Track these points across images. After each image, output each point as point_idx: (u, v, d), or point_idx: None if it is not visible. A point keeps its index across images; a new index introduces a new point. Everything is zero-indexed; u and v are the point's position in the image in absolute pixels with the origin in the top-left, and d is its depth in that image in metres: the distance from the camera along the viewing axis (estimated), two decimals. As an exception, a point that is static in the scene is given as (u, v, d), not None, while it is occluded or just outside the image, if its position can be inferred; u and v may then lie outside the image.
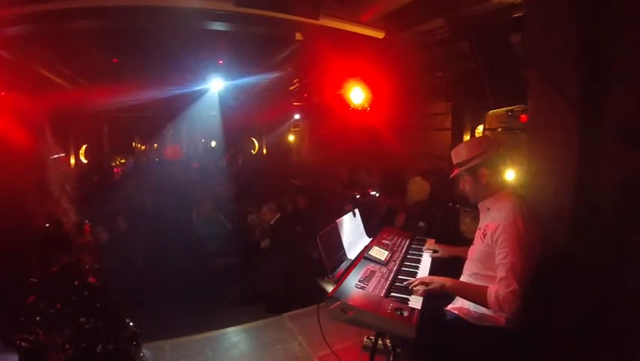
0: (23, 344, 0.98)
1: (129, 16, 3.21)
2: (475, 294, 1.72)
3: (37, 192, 0.97)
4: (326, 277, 2.07)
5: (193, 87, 6.23)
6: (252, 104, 8.19)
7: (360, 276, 1.94)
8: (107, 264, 1.12)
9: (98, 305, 1.05)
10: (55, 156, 1.04)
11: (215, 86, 6.36)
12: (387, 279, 1.97)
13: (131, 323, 1.21)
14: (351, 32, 3.66)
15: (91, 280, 1.02)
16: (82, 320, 1.02)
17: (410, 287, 1.83)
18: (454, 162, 1.97)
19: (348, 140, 6.70)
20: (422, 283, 1.81)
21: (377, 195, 5.42)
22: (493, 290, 1.62)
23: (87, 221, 1.07)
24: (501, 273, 1.63)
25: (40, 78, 4.84)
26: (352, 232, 2.45)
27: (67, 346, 1.01)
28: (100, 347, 1.10)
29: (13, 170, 0.95)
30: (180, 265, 4.27)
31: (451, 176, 1.99)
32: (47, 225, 0.97)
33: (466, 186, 1.94)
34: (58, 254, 0.97)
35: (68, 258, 0.98)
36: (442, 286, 1.77)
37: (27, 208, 0.95)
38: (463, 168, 1.90)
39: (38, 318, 0.95)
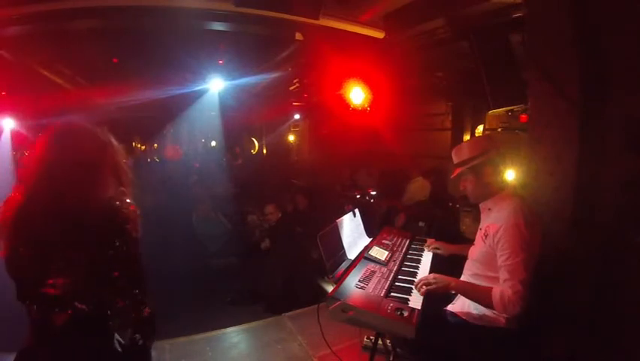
0: (51, 290, 1.10)
1: (129, 16, 3.20)
2: (480, 295, 1.71)
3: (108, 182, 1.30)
4: (326, 277, 2.07)
5: (193, 87, 6.21)
6: (252, 104, 8.17)
7: (360, 276, 1.94)
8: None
9: (126, 270, 1.23)
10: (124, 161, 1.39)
11: (215, 86, 6.34)
12: (387, 279, 1.97)
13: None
14: (351, 32, 3.66)
15: (135, 247, 1.27)
16: (115, 274, 1.19)
17: (416, 288, 1.80)
18: (455, 162, 1.96)
19: (348, 140, 6.70)
20: (427, 282, 1.77)
21: (377, 195, 5.42)
22: (498, 291, 1.61)
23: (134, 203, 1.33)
24: (504, 275, 1.63)
25: (40, 78, 4.84)
26: (352, 232, 2.45)
27: (89, 298, 1.14)
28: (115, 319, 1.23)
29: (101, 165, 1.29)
30: (180, 265, 4.27)
31: (452, 176, 1.98)
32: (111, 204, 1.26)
33: (467, 185, 1.93)
34: (122, 222, 1.24)
35: (120, 217, 1.24)
36: (447, 286, 1.76)
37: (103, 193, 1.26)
38: (465, 167, 1.88)
39: (75, 263, 1.12)
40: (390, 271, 2.08)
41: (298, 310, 3.33)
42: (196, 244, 5.00)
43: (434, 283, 1.76)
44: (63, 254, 1.12)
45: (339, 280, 1.87)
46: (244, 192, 6.91)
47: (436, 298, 1.82)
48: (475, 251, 1.91)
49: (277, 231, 4.70)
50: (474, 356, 1.77)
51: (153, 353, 1.37)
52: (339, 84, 3.87)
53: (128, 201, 1.31)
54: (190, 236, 5.05)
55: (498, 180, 1.87)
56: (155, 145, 11.17)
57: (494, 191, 1.87)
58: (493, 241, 1.72)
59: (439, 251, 2.40)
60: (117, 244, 1.20)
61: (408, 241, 2.59)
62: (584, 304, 1.97)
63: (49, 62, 4.76)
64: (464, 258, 2.03)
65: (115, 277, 1.19)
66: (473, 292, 1.77)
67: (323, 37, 3.61)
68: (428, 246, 2.47)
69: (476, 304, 1.77)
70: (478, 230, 1.95)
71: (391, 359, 2.19)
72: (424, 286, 1.77)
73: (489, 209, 1.89)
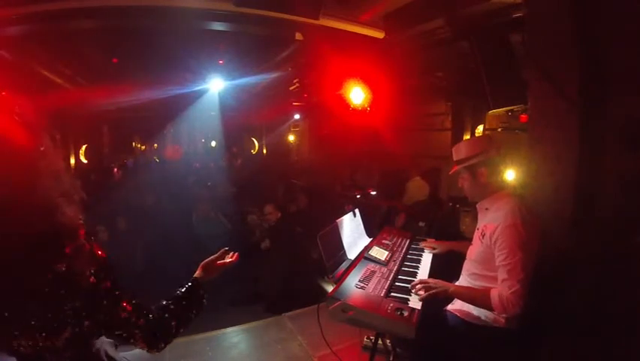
0: (22, 349, 0.97)
1: (129, 16, 3.20)
2: (478, 298, 1.71)
3: (31, 199, 0.92)
4: (326, 277, 2.07)
5: (193, 87, 6.23)
6: (252, 104, 8.19)
7: (360, 276, 1.94)
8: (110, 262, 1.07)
9: (104, 303, 1.03)
10: (53, 158, 0.99)
11: (215, 86, 6.36)
12: (387, 279, 1.97)
13: None
14: (351, 32, 3.66)
15: (86, 285, 0.98)
16: (86, 323, 1.01)
17: (414, 290, 1.80)
18: (454, 159, 1.97)
19: (348, 140, 6.71)
20: (425, 286, 1.77)
21: (377, 195, 5.43)
22: (496, 293, 1.61)
23: (81, 222, 1.02)
24: (502, 275, 1.63)
25: (40, 78, 4.84)
26: (352, 232, 2.45)
27: (66, 349, 1.01)
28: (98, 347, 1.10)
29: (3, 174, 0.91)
30: (180, 265, 4.26)
31: (450, 173, 2.00)
32: (41, 232, 0.94)
33: (464, 184, 1.95)
34: (53, 261, 0.94)
35: (64, 264, 0.95)
36: (445, 292, 1.76)
37: (20, 215, 0.91)
38: (462, 166, 1.89)
39: (34, 322, 0.94)
40: (390, 271, 2.08)
41: (298, 310, 3.32)
42: (196, 244, 5.00)
43: (434, 288, 1.76)
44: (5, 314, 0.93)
45: (339, 280, 1.86)
46: (244, 192, 6.92)
47: (436, 298, 1.82)
48: (473, 251, 1.91)
49: (277, 231, 4.69)
50: (474, 356, 1.77)
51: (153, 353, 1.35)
52: (339, 84, 3.88)
53: (80, 225, 1.01)
54: (190, 236, 5.05)
55: (496, 180, 1.87)
56: (155, 145, 11.19)
57: (491, 191, 1.87)
58: (491, 240, 1.72)
59: (435, 250, 2.40)
60: (69, 293, 0.95)
61: (408, 241, 2.59)
62: (584, 304, 1.97)
63: (49, 62, 4.77)
64: (463, 258, 2.03)
65: (86, 325, 1.01)
66: (471, 297, 1.77)
67: (323, 37, 3.61)
68: (425, 246, 2.46)
69: (480, 308, 1.76)
70: (476, 230, 1.95)
71: (391, 359, 2.19)
72: (423, 290, 1.76)
73: (486, 209, 1.89)
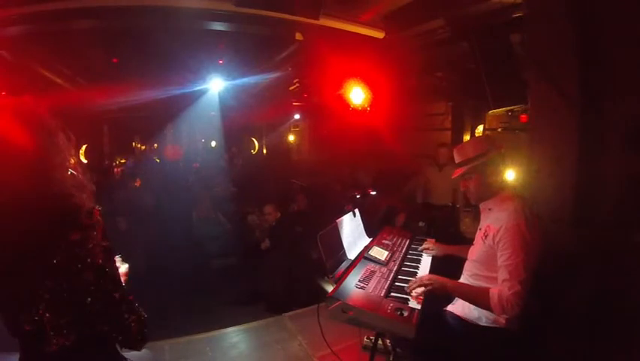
0: (27, 327, 0.99)
1: (129, 16, 3.20)
2: (477, 296, 1.70)
3: (46, 187, 1.01)
4: (326, 277, 2.06)
5: (193, 87, 6.23)
6: (252, 104, 8.18)
7: (360, 276, 1.94)
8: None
9: (108, 287, 1.06)
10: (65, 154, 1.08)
11: (215, 86, 6.36)
12: (387, 279, 1.97)
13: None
14: (351, 32, 3.66)
15: (98, 260, 1.02)
16: (88, 300, 1.03)
17: (409, 290, 1.77)
18: (457, 161, 1.94)
19: (348, 140, 6.70)
20: (422, 284, 1.75)
21: (377, 195, 5.43)
22: (496, 292, 1.60)
23: (98, 207, 1.09)
24: (503, 275, 1.62)
25: (40, 78, 4.84)
26: (352, 231, 2.45)
27: (69, 330, 1.02)
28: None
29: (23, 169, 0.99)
30: (180, 265, 4.27)
31: (454, 176, 1.96)
32: (56, 213, 1.01)
33: (470, 185, 1.91)
34: (68, 230, 0.99)
35: (78, 234, 1.00)
36: (443, 287, 1.74)
37: (37, 201, 1.00)
38: (469, 166, 1.87)
39: (46, 296, 0.98)
40: (390, 271, 2.08)
41: (298, 310, 3.33)
42: (196, 244, 5.00)
43: (429, 283, 1.73)
44: (16, 285, 0.99)
45: (339, 280, 1.86)
46: (244, 192, 6.92)
47: (436, 298, 1.82)
48: (475, 251, 1.90)
49: (277, 231, 4.70)
50: (474, 356, 1.76)
51: (153, 353, 1.34)
52: (339, 84, 3.87)
53: (95, 207, 1.08)
54: (190, 236, 5.05)
55: (499, 179, 1.86)
56: (155, 145, 11.17)
57: (495, 191, 1.86)
58: (494, 241, 1.72)
59: (432, 252, 2.39)
60: (81, 265, 1.00)
61: (408, 241, 2.59)
62: (583, 304, 1.97)
63: (49, 62, 4.77)
64: (463, 258, 2.03)
65: (89, 302, 1.03)
66: (470, 294, 1.76)
67: (323, 37, 3.62)
68: (424, 247, 2.45)
69: (478, 306, 1.75)
70: (478, 230, 1.94)
71: (391, 359, 2.19)
72: (420, 288, 1.74)
73: (489, 209, 1.88)
